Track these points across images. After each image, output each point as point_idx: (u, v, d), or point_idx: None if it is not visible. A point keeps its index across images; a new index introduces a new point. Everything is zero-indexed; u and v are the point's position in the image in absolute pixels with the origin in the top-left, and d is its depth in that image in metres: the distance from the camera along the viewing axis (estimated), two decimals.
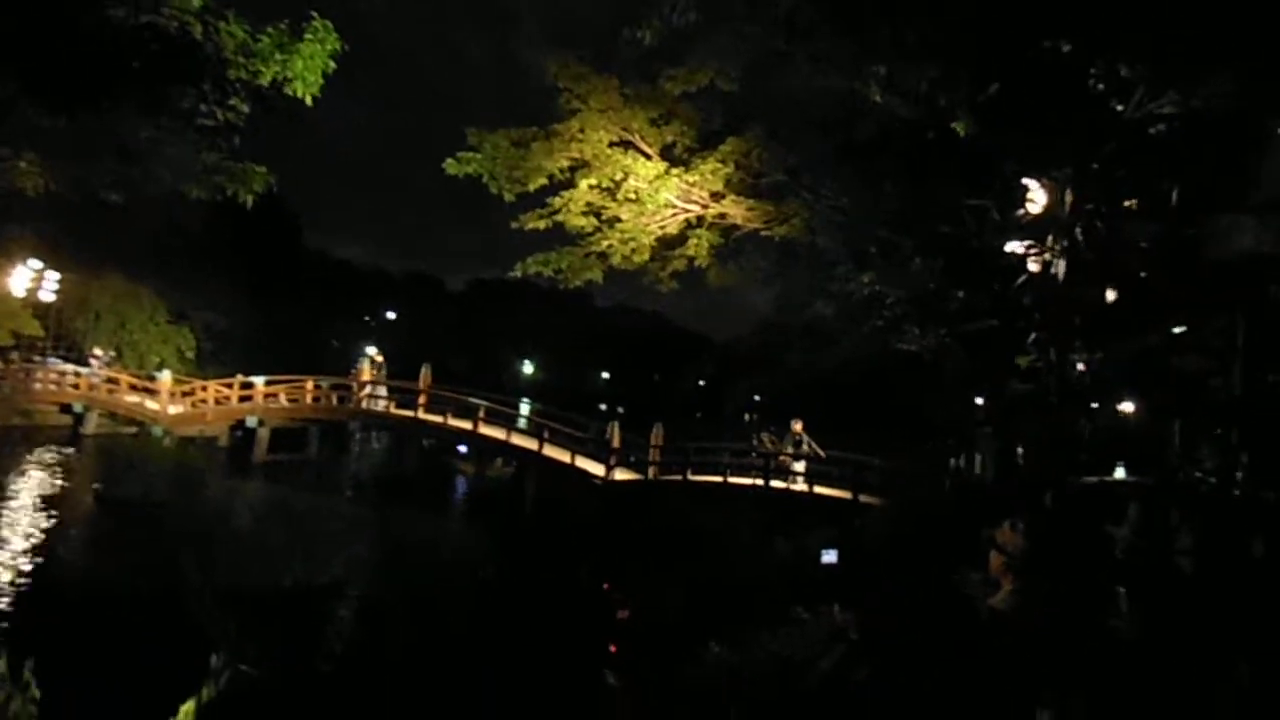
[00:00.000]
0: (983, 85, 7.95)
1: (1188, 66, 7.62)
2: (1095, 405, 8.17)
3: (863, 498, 17.05)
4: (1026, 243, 7.82)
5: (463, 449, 26.51)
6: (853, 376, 24.10)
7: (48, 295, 29.93)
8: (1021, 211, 7.90)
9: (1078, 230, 7.44)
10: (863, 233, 12.60)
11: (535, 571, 14.55)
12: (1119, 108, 8.24)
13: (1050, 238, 7.47)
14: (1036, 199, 7.66)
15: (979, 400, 13.33)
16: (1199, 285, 7.84)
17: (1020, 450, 10.00)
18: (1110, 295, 7.99)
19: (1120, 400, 9.22)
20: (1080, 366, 8.45)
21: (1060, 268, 7.40)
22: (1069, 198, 7.41)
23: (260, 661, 6.82)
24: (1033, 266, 7.73)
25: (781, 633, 6.79)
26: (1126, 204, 8.33)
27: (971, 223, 9.37)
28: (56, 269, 29.82)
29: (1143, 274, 8.21)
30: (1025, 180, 7.79)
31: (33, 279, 28.98)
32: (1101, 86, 8.22)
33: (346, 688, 7.96)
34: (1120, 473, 9.78)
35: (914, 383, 17.87)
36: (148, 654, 6.85)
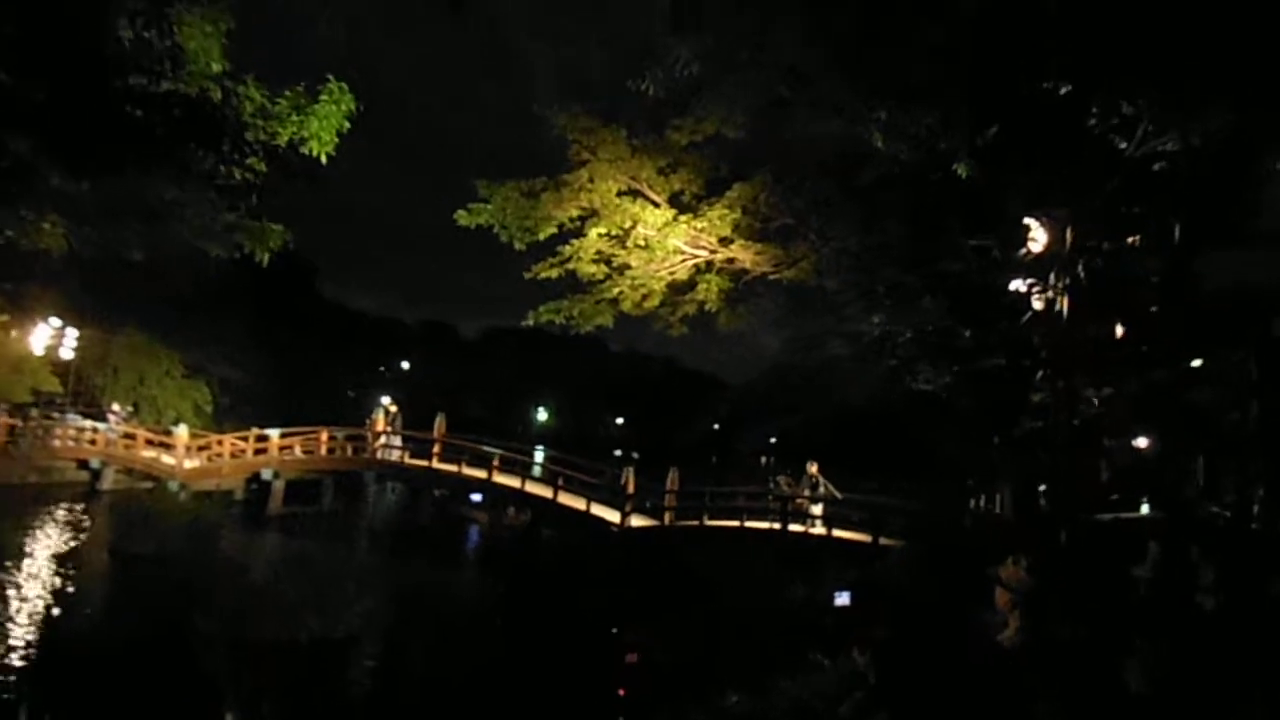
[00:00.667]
0: (982, 127, 8.09)
1: (1187, 102, 7.73)
2: (1109, 441, 8.13)
3: (882, 540, 16.84)
4: (1029, 280, 7.87)
5: (476, 497, 26.46)
6: (867, 417, 24.00)
7: (67, 352, 30.36)
8: (1024, 250, 7.97)
9: (1080, 267, 7.49)
10: (871, 273, 12.70)
11: (549, 620, 14.42)
12: (1121, 145, 8.35)
13: (1053, 275, 7.52)
14: (1038, 237, 7.74)
15: (995, 440, 13.25)
16: (1207, 319, 7.84)
17: (1041, 490, 9.93)
18: (1119, 330, 8.01)
19: (1134, 436, 9.17)
20: (1094, 401, 8.43)
21: (1064, 304, 7.43)
22: (1070, 235, 7.48)
23: (274, 715, 6.80)
24: (1036, 304, 7.77)
25: (799, 678, 6.71)
26: (1130, 239, 8.39)
27: (974, 262, 9.45)
28: (76, 326, 30.31)
29: (1150, 308, 8.23)
30: (1026, 219, 7.88)
31: (52, 336, 29.42)
32: (1101, 125, 8.34)
33: None
34: (1144, 509, 9.67)
35: (929, 422, 17.77)
36: (163, 708, 6.83)
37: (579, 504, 20.82)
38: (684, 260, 15.31)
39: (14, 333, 27.73)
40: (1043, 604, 3.90)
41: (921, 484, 18.34)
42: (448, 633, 13.36)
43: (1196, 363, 8.85)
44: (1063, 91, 8.34)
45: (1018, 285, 8.08)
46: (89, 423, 30.22)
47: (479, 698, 8.49)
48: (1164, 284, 8.07)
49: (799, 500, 19.21)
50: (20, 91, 5.90)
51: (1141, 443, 9.21)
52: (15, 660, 10.64)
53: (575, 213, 14.82)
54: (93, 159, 6.71)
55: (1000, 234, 8.77)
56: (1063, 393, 7.40)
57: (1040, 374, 7.96)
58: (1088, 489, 7.30)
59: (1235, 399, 8.68)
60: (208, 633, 11.27)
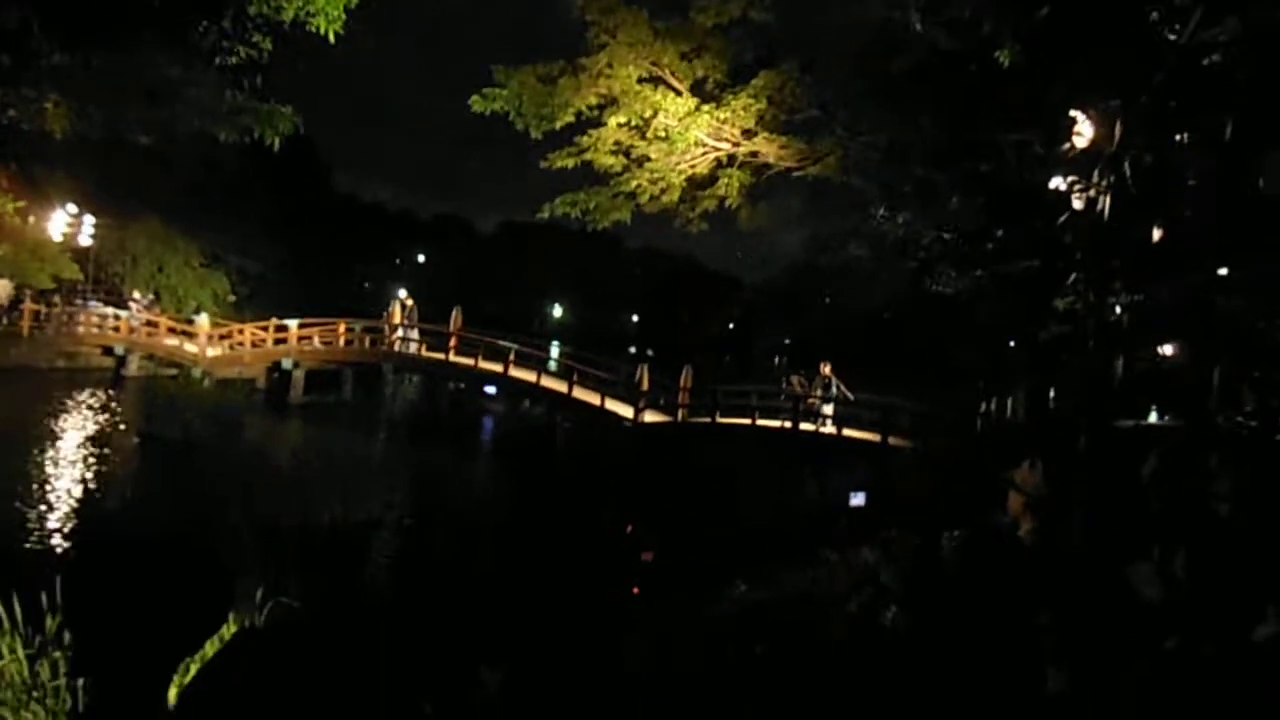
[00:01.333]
0: (1030, 9, 7.57)
1: None
2: (1132, 347, 7.96)
3: (892, 440, 16.97)
4: (1071, 178, 7.52)
5: (490, 390, 26.79)
6: (885, 320, 23.80)
7: (85, 240, 30.40)
8: (1067, 146, 7.58)
9: (1126, 165, 7.14)
10: (899, 171, 12.28)
11: (564, 513, 14.76)
12: (1172, 36, 7.83)
13: (1096, 173, 7.17)
14: (1084, 132, 7.33)
15: (1011, 344, 13.09)
16: (1250, 223, 7.53)
17: (1052, 393, 9.84)
18: (1156, 234, 7.71)
19: (1161, 343, 8.98)
20: (1118, 309, 8.22)
21: (1105, 204, 7.12)
22: (1118, 130, 7.09)
23: (301, 594, 7.01)
24: (1076, 204, 7.44)
25: (809, 573, 6.83)
26: (1177, 137, 7.97)
27: (1013, 158, 9.06)
28: (93, 214, 30.22)
29: (1190, 212, 7.90)
30: (1072, 112, 7.46)
31: (70, 223, 29.39)
32: (1155, 13, 7.81)
33: (385, 619, 8.19)
34: (1153, 417, 9.59)
35: (947, 326, 17.60)
36: (189, 589, 7.07)
37: (593, 399, 21.04)
38: (705, 153, 14.84)
39: (31, 219, 27.70)
40: (1056, 508, 3.85)
41: (936, 388, 18.32)
42: (464, 523, 13.71)
43: (1224, 271, 8.59)
44: None
45: (1058, 183, 7.73)
46: (111, 310, 30.56)
47: (494, 588, 8.74)
48: (1208, 185, 7.72)
49: (811, 400, 19.29)
50: None
51: (1167, 350, 9.04)
52: (53, 543, 11.11)
53: (594, 100, 14.28)
54: (87, 31, 6.43)
55: (1043, 127, 8.34)
56: (1094, 297, 7.19)
57: (1073, 277, 7.71)
58: (1110, 394, 7.20)
59: (1265, 308, 8.45)
60: (232, 516, 11.59)
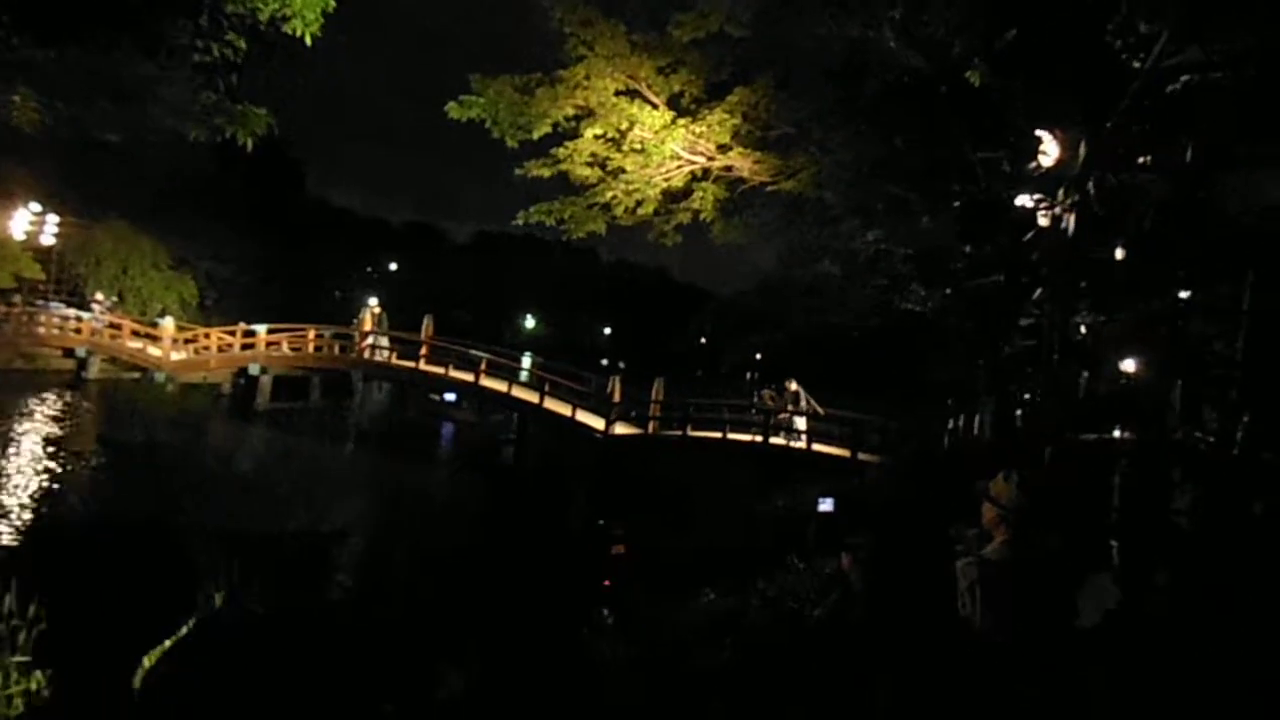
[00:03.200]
0: (999, 32, 7.76)
1: (1208, 20, 7.44)
2: (1096, 364, 8.14)
3: (861, 455, 17.12)
4: (1037, 196, 7.69)
5: (450, 397, 26.74)
6: (855, 336, 24.04)
7: (48, 239, 29.77)
8: (1033, 164, 7.77)
9: (1090, 185, 7.32)
10: (871, 188, 12.46)
11: (533, 518, 14.68)
12: (1136, 63, 8.06)
13: (1061, 192, 7.34)
14: (1049, 151, 7.52)
15: (980, 361, 13.31)
16: (1209, 246, 7.75)
17: (1019, 411, 10.00)
18: (1119, 253, 7.90)
19: (1123, 359, 9.19)
20: (1083, 327, 8.40)
21: (1070, 223, 7.29)
22: (1082, 151, 7.28)
23: (263, 598, 6.90)
24: (1042, 221, 7.62)
25: (777, 580, 6.87)
26: (1140, 160, 8.19)
27: (982, 176, 9.23)
28: (57, 213, 29.63)
29: (1152, 232, 8.11)
30: (1038, 132, 7.65)
31: (33, 222, 28.79)
32: (1119, 41, 8.03)
33: (348, 622, 8.09)
34: (1115, 433, 9.80)
35: (916, 343, 17.84)
36: (149, 591, 6.93)
37: (565, 410, 20.97)
38: (680, 166, 14.97)
39: None
40: (1028, 519, 3.92)
41: (905, 404, 18.54)
42: (433, 528, 13.58)
43: (1185, 294, 8.82)
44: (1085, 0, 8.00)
45: (1024, 200, 7.91)
46: (73, 311, 29.91)
47: (460, 590, 8.67)
48: (1170, 207, 7.94)
49: (782, 415, 19.40)
50: None
51: (1128, 367, 9.24)
52: (8, 544, 10.82)
53: (571, 111, 14.35)
54: (61, 25, 6.34)
55: (1011, 146, 8.53)
56: (1057, 313, 7.35)
57: (1038, 293, 7.88)
58: (1072, 409, 7.35)
59: (1224, 328, 8.68)
60: (194, 523, 11.38)
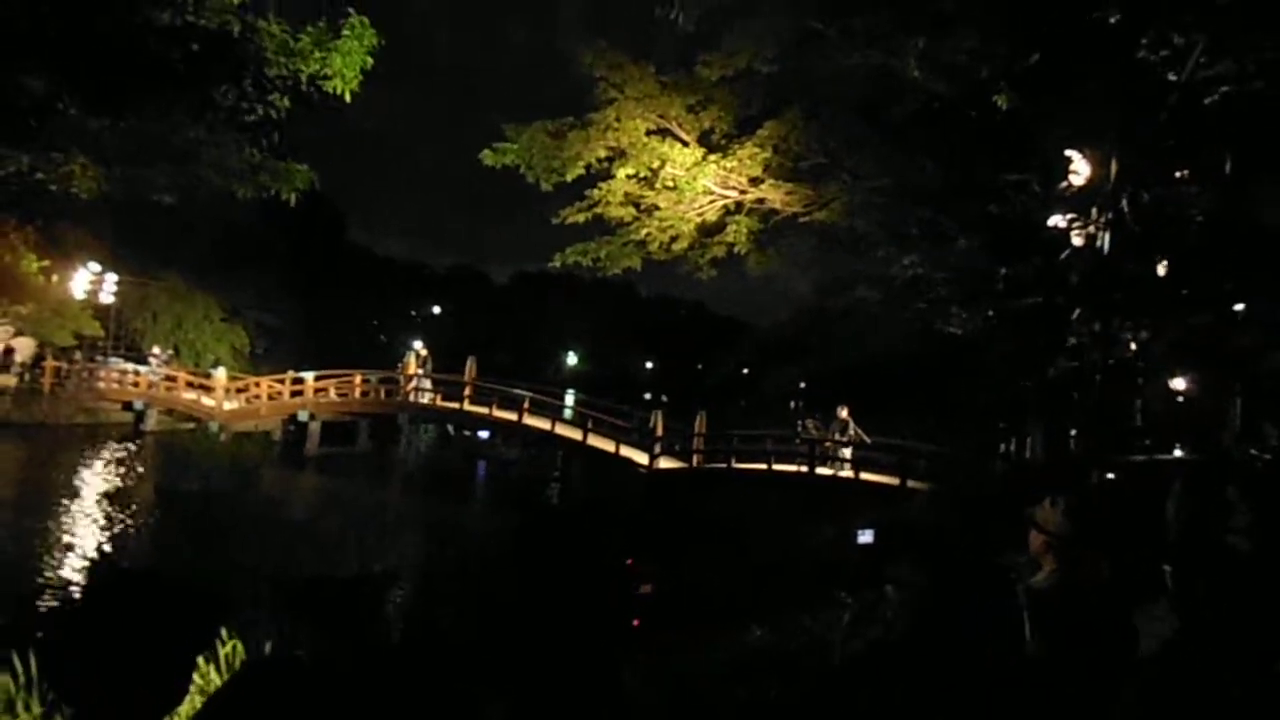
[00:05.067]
0: (1023, 55, 7.74)
1: (1244, 32, 7.33)
2: (1143, 382, 7.93)
3: (910, 483, 16.83)
4: (1070, 216, 7.58)
5: (484, 435, 27.22)
6: (897, 361, 23.74)
7: (107, 297, 30.94)
8: (1064, 184, 7.67)
9: (1124, 202, 7.20)
10: (904, 214, 12.41)
11: (575, 557, 14.65)
12: (1171, 76, 7.97)
13: (1095, 210, 7.24)
14: (1080, 170, 7.43)
15: (1025, 384, 13.06)
16: (1255, 258, 7.55)
17: (1068, 433, 9.77)
18: (1161, 269, 7.74)
19: (1172, 377, 8.95)
20: (1132, 344, 8.22)
21: (1105, 240, 7.17)
22: (1114, 168, 7.17)
23: (312, 646, 6.97)
24: (1076, 240, 7.50)
25: (822, 615, 6.76)
26: (1177, 174, 8.05)
27: (1014, 198, 9.15)
28: (115, 271, 30.81)
29: (1195, 246, 7.93)
30: (1068, 152, 7.56)
31: (92, 281, 29.96)
32: (1151, 54, 7.95)
33: (397, 670, 8.14)
34: (1178, 452, 9.49)
35: (959, 365, 17.56)
36: (204, 640, 7.04)
37: (608, 446, 21.01)
38: (713, 201, 15.08)
39: (55, 277, 28.26)
40: (1076, 547, 3.82)
41: (951, 429, 18.20)
42: (476, 568, 13.63)
43: (1239, 306, 8.58)
44: (1112, 20, 7.95)
45: (1057, 221, 7.79)
46: (131, 366, 30.94)
47: (501, 627, 8.67)
48: (1211, 220, 7.76)
49: (827, 443, 19.18)
50: (27, 24, 5.86)
51: (1179, 384, 8.99)
52: (71, 591, 11.18)
53: (603, 153, 14.59)
54: (112, 95, 6.70)
55: (1040, 167, 8.45)
56: (1099, 333, 7.20)
57: (1076, 313, 7.72)
58: (1122, 430, 7.16)
59: (1276, 341, 8.42)
60: (250, 568, 11.61)
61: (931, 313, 14.08)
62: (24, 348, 29.69)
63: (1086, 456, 6.97)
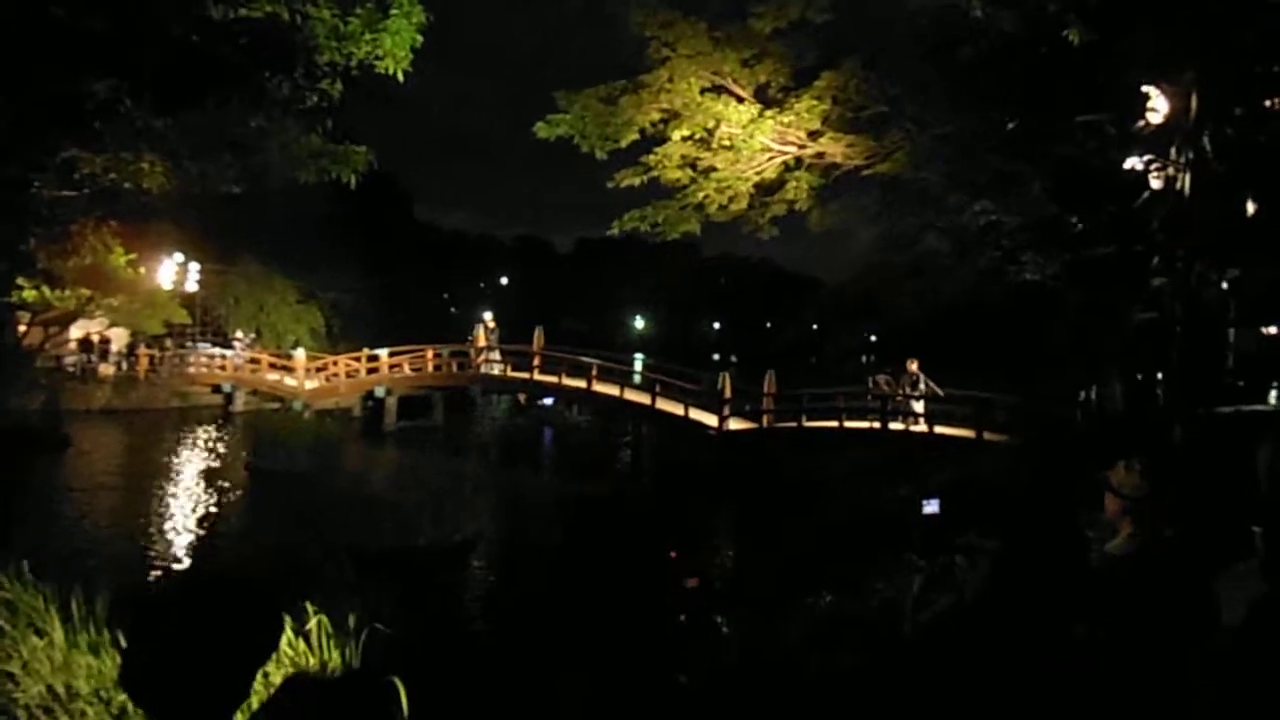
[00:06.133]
0: None
1: None
2: (1231, 329, 7.49)
3: (987, 435, 16.39)
4: (1147, 157, 7.12)
5: (547, 401, 27.45)
6: (969, 312, 23.03)
7: (192, 286, 32.30)
8: (1141, 123, 7.20)
9: (1205, 139, 6.73)
10: (971, 160, 11.91)
11: (651, 527, 14.81)
12: None
13: (1174, 149, 6.78)
14: (1158, 107, 6.95)
15: (1104, 333, 12.50)
16: None
17: (1151, 384, 9.32)
18: (1250, 207, 7.24)
19: (1263, 323, 8.42)
20: (1218, 286, 7.76)
21: (1185, 182, 6.72)
22: (1195, 102, 6.69)
23: (395, 620, 7.25)
24: (1155, 183, 7.05)
25: (895, 579, 6.67)
26: (1267, 103, 7.48)
27: (1088, 140, 8.65)
28: (198, 261, 32.10)
29: None
30: (1145, 88, 7.08)
31: (177, 271, 31.29)
32: None
33: (477, 644, 8.41)
34: (1274, 397, 8.96)
35: (1036, 314, 16.90)
36: (293, 609, 7.39)
37: (678, 409, 21.04)
38: (771, 158, 14.73)
39: (143, 269, 29.58)
40: (1154, 511, 3.64)
41: (1026, 379, 17.59)
42: (549, 540, 13.91)
43: None
44: None
45: (1134, 163, 7.33)
46: (218, 350, 32.38)
47: (567, 606, 8.84)
48: None
49: (899, 398, 18.80)
50: (83, 29, 6.06)
51: (1271, 331, 8.46)
52: (173, 565, 11.98)
53: (656, 116, 14.35)
54: (169, 94, 6.91)
55: (1115, 106, 7.94)
56: (1181, 278, 6.79)
57: (1156, 259, 7.29)
58: (1208, 380, 6.77)
59: None
60: (334, 542, 12.13)
61: (1005, 261, 13.55)
62: (118, 338, 31.38)
63: (1168, 410, 6.64)
